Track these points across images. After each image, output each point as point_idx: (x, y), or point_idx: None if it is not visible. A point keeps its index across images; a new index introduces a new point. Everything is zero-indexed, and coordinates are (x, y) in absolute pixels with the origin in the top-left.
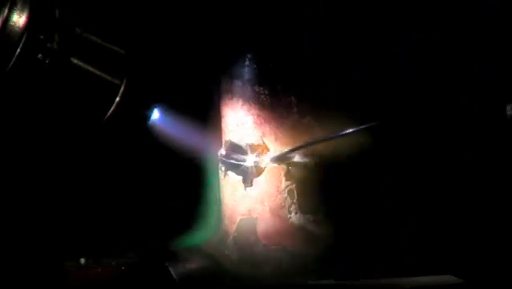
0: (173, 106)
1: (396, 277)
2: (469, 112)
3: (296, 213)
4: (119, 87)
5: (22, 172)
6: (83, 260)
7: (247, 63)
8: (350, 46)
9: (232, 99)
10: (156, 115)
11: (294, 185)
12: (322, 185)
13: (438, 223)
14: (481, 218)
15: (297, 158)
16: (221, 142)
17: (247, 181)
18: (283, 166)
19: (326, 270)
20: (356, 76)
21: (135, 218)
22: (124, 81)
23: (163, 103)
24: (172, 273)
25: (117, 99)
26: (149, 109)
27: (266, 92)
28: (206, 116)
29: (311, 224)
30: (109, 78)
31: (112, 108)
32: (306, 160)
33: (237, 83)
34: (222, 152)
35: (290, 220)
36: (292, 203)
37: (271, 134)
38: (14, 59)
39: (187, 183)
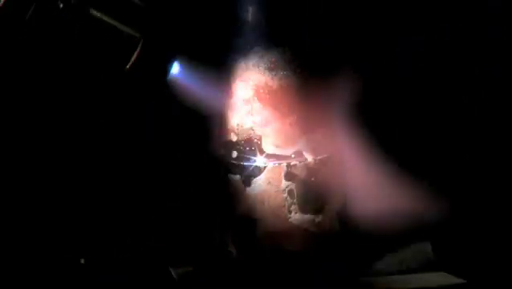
0: (193, 60)
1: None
2: (470, 114)
3: (296, 213)
4: (139, 41)
5: (22, 170)
6: (82, 260)
7: (248, 63)
8: (351, 48)
9: (232, 98)
10: (175, 69)
11: (294, 185)
12: (322, 185)
13: (439, 224)
14: (481, 218)
15: (297, 158)
16: (221, 142)
17: (247, 181)
18: (283, 166)
19: (326, 270)
20: (357, 77)
21: (136, 218)
22: (143, 35)
23: (183, 57)
24: (172, 273)
25: (136, 52)
26: (169, 63)
27: (267, 92)
28: (222, 70)
29: (311, 224)
30: (128, 30)
31: (131, 61)
32: (306, 160)
33: (238, 83)
34: (222, 152)
35: (290, 220)
36: (292, 203)
37: (271, 134)
38: (32, 7)
39: (187, 183)
